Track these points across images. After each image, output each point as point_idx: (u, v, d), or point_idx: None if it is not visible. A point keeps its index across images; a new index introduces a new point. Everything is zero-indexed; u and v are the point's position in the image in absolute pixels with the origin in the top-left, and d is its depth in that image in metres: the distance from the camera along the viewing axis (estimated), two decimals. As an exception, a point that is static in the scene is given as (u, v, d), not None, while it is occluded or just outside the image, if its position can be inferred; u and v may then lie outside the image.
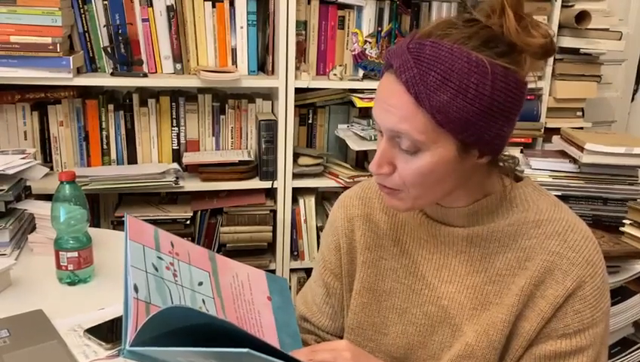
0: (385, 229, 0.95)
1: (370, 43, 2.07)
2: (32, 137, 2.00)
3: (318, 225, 2.18)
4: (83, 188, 1.57)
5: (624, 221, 1.64)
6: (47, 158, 2.02)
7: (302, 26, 2.06)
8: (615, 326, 1.44)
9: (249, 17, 2.02)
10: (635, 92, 2.74)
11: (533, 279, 0.83)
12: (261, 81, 2.05)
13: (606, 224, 1.77)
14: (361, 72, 2.11)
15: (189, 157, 2.06)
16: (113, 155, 2.05)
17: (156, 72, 2.01)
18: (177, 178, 1.98)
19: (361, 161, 2.26)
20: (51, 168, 2.01)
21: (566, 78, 2.25)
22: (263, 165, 2.05)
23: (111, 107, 2.02)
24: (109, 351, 1.03)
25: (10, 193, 1.42)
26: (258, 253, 2.14)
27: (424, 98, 0.73)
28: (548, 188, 1.76)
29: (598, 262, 0.83)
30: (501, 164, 0.87)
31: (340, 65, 2.10)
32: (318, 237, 2.18)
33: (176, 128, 2.08)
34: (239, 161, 2.04)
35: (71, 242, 1.27)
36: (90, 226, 1.33)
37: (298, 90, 2.03)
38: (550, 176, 1.84)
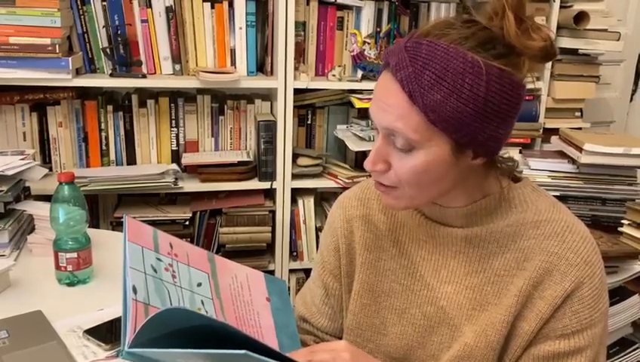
0: (384, 230, 0.95)
1: (369, 44, 2.07)
2: (31, 138, 2.00)
3: (317, 225, 2.18)
4: (82, 188, 1.57)
5: (623, 221, 1.64)
6: (46, 159, 2.02)
7: (301, 26, 2.06)
8: (614, 326, 1.45)
9: (248, 18, 2.02)
10: (633, 92, 2.74)
11: (532, 280, 0.83)
12: (260, 82, 2.05)
13: (605, 224, 1.77)
14: (359, 73, 2.12)
15: (188, 158, 2.06)
16: (112, 156, 2.05)
17: (155, 72, 2.02)
18: (176, 179, 1.98)
19: (360, 161, 2.26)
20: (50, 169, 2.01)
21: (564, 79, 2.25)
22: (262, 166, 2.05)
23: (110, 108, 2.02)
24: (108, 352, 1.03)
25: (10, 194, 1.42)
26: (257, 253, 2.14)
27: (418, 96, 0.74)
28: (547, 189, 1.76)
29: (597, 262, 0.83)
30: (500, 163, 0.87)
31: (339, 66, 2.10)
32: (317, 237, 2.18)
33: (175, 129, 2.08)
34: (238, 161, 2.04)
35: (70, 243, 1.28)
36: (89, 227, 1.33)
37: (297, 91, 2.03)
38: (549, 176, 1.84)
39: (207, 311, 0.81)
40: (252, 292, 0.92)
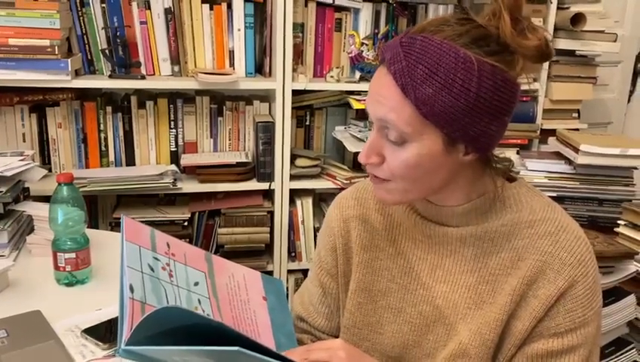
0: (380, 229, 0.96)
1: (366, 45, 2.08)
2: (30, 139, 2.01)
3: (316, 226, 2.18)
4: (81, 189, 1.58)
5: (619, 222, 1.64)
6: (45, 160, 2.03)
7: (299, 28, 2.07)
8: (609, 326, 1.45)
9: (246, 20, 2.02)
10: (631, 93, 2.75)
11: (526, 279, 0.84)
12: (258, 83, 2.06)
13: (601, 225, 1.78)
14: (357, 74, 2.12)
15: (186, 159, 2.07)
16: (111, 157, 2.06)
17: (154, 74, 2.02)
18: (175, 179, 1.99)
19: (358, 162, 2.26)
20: (50, 170, 2.01)
21: (562, 80, 2.25)
22: (260, 167, 2.06)
23: (109, 109, 2.03)
24: (106, 351, 1.04)
25: (9, 195, 1.43)
26: (256, 254, 2.15)
27: (410, 90, 0.75)
28: (544, 189, 1.78)
29: (590, 261, 0.84)
30: (495, 164, 0.88)
31: (337, 67, 2.11)
32: (316, 238, 2.18)
33: (174, 130, 2.09)
34: (237, 162, 2.05)
35: (69, 243, 1.28)
36: (88, 227, 1.33)
37: (295, 92, 2.04)
38: (546, 177, 1.85)
39: (203, 310, 0.82)
40: (249, 291, 0.92)
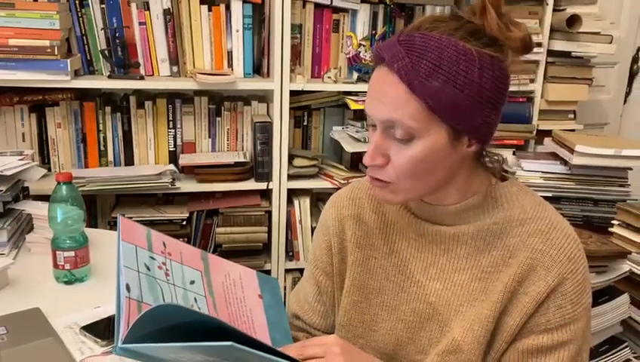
0: (375, 228, 0.97)
1: (364, 46, 2.09)
2: (30, 139, 2.02)
3: (313, 226, 2.19)
4: (80, 189, 1.59)
5: (613, 221, 1.66)
6: (45, 160, 2.04)
7: (297, 29, 2.08)
8: (603, 324, 1.46)
9: (245, 21, 2.04)
10: (627, 94, 2.77)
11: (517, 276, 0.85)
12: (256, 84, 2.07)
13: (596, 225, 1.79)
14: (355, 75, 2.14)
15: (185, 159, 2.08)
16: (110, 157, 2.07)
17: (153, 74, 2.03)
18: (174, 179, 2.00)
19: (355, 162, 2.28)
20: (49, 169, 2.02)
21: (558, 81, 2.27)
22: (258, 166, 2.07)
23: (108, 109, 2.04)
24: (105, 348, 1.04)
25: (9, 194, 1.43)
26: (253, 253, 2.16)
27: (417, 85, 0.76)
28: (539, 190, 1.79)
29: (580, 259, 0.85)
30: (488, 161, 0.90)
31: (335, 68, 2.12)
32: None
33: (172, 130, 2.10)
34: (235, 162, 2.06)
35: (68, 242, 1.29)
36: (87, 226, 1.34)
37: (293, 93, 2.05)
38: (541, 177, 1.86)
39: (200, 308, 0.83)
40: (245, 289, 0.93)
